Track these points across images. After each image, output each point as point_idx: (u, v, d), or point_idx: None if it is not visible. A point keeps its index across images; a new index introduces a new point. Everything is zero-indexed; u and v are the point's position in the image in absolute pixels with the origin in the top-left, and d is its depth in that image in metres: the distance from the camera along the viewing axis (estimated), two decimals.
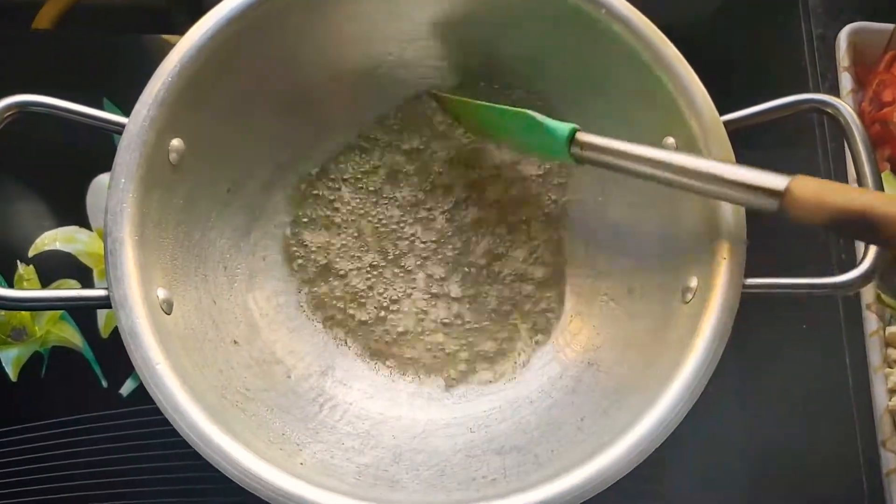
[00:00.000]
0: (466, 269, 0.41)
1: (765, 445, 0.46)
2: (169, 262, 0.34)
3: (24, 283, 0.44)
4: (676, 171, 0.31)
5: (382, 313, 0.40)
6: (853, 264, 0.41)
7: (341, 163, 0.42)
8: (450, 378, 0.39)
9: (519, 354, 0.40)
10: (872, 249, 0.32)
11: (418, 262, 0.41)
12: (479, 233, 0.42)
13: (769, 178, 0.29)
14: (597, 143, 0.33)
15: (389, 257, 0.41)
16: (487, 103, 0.39)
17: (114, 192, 0.31)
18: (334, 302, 0.40)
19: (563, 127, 0.34)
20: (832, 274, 0.42)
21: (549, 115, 0.40)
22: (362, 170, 0.42)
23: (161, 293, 0.32)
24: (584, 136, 0.34)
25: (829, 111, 0.33)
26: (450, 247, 0.42)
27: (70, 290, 0.37)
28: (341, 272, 0.41)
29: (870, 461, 0.39)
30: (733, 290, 0.31)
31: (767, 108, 0.34)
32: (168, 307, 0.32)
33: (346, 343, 0.40)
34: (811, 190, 0.27)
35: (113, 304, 0.30)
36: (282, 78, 0.39)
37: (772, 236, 0.45)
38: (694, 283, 0.34)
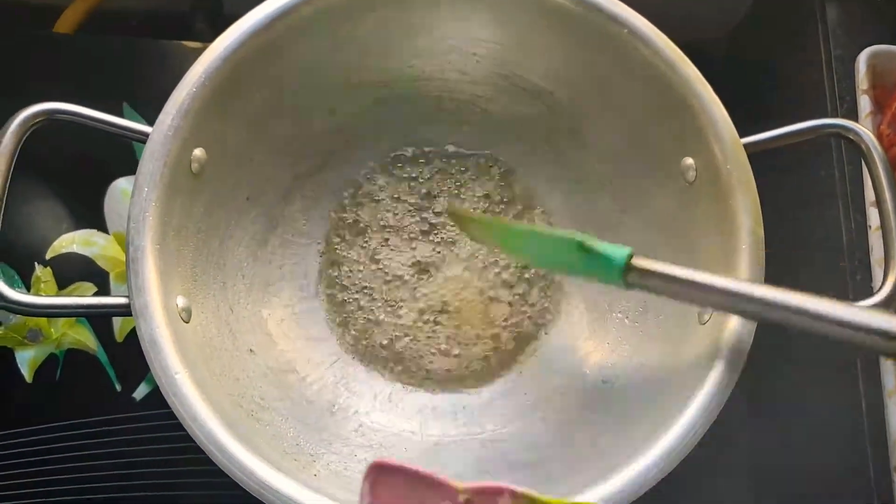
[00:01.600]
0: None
1: (774, 469, 0.46)
2: (188, 271, 0.34)
3: (42, 285, 0.44)
4: (760, 304, 0.27)
5: (397, 332, 0.41)
6: (869, 287, 0.41)
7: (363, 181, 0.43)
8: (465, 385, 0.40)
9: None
10: (891, 277, 0.32)
11: (431, 279, 0.42)
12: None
13: (884, 321, 0.24)
14: (657, 271, 0.29)
15: (405, 276, 0.42)
16: (522, 225, 0.34)
17: (136, 200, 0.31)
18: (352, 316, 0.41)
19: (618, 254, 0.29)
20: (848, 298, 0.42)
21: (562, 127, 0.40)
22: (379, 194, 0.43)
23: (180, 301, 0.32)
24: (641, 263, 0.29)
25: (851, 137, 0.33)
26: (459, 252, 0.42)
27: (90, 298, 0.37)
28: (358, 287, 0.41)
29: (882, 488, 0.39)
30: None
31: (788, 131, 0.34)
32: (187, 315, 0.33)
33: (360, 355, 0.40)
34: None
35: (133, 313, 0.30)
36: (302, 88, 0.39)
37: (789, 255, 0.45)
38: None
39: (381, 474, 0.26)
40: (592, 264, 0.30)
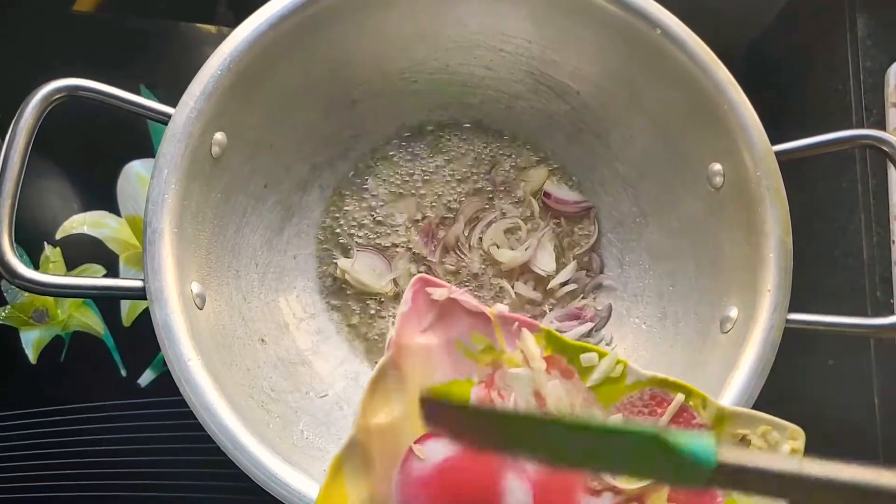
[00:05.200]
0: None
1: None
2: (204, 256, 0.34)
3: (50, 266, 0.43)
4: None
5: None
6: (889, 304, 0.41)
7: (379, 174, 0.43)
8: None
9: None
10: None
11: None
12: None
13: None
14: (756, 467, 0.20)
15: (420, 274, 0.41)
16: (575, 421, 0.22)
17: (156, 182, 0.31)
18: (364, 311, 0.40)
19: (705, 451, 0.20)
20: (865, 311, 0.42)
21: (586, 127, 0.39)
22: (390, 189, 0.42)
23: (195, 287, 0.32)
24: (729, 457, 0.20)
25: (885, 149, 0.33)
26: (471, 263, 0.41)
27: (104, 280, 0.36)
28: (373, 282, 0.41)
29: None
30: (777, 325, 0.31)
31: (821, 140, 0.33)
32: (201, 302, 0.32)
33: (371, 352, 0.40)
34: None
35: (148, 296, 0.29)
36: (327, 76, 0.38)
37: (806, 268, 0.44)
38: (734, 313, 0.33)
39: (424, 286, 0.30)
40: (668, 463, 0.21)
